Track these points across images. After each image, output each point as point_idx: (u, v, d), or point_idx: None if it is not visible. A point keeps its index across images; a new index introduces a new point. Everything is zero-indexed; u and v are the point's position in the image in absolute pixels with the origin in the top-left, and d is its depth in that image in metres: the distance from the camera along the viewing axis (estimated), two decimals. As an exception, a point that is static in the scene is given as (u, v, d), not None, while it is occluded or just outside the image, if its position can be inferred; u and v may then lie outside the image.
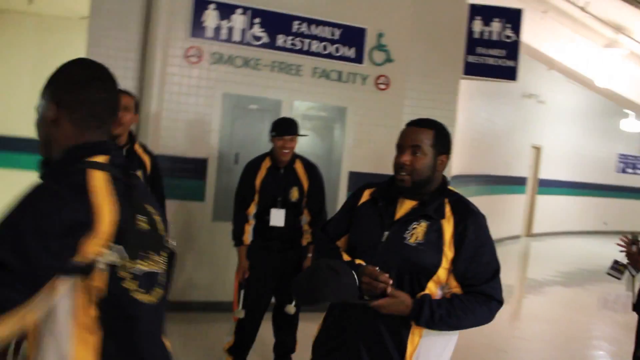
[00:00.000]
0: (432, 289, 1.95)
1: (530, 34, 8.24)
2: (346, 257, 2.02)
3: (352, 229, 2.12)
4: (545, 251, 12.47)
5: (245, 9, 5.35)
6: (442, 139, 2.04)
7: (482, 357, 5.15)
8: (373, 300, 1.88)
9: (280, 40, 5.50)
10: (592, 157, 14.94)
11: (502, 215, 12.02)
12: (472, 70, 6.07)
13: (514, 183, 12.50)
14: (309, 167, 3.96)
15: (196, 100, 5.31)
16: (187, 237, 5.36)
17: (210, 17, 5.26)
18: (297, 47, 5.56)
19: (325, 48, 5.63)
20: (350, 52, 5.72)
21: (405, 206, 2.02)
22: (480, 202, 10.40)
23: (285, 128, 3.81)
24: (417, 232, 1.94)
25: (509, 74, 6.09)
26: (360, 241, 2.06)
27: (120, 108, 3.14)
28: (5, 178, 6.41)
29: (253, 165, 3.94)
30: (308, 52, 5.59)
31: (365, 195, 2.14)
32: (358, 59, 5.75)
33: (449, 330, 1.96)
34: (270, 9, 5.44)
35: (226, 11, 5.30)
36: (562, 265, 10.40)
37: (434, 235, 1.94)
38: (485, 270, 1.96)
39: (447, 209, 1.99)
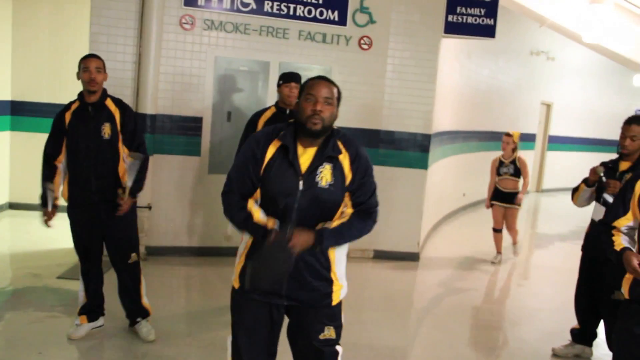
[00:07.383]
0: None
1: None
2: (257, 217, 2.38)
3: (267, 182, 2.39)
4: (556, 207, 12.60)
5: (234, -22, 5.80)
6: (340, 95, 2.47)
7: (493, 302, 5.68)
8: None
9: (267, 5, 5.94)
10: (606, 114, 14.93)
11: (509, 171, 12.27)
12: (453, 28, 6.38)
13: (522, 140, 12.68)
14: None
15: (190, 64, 5.82)
16: (185, 188, 5.93)
17: (201, -14, 5.73)
18: (284, 12, 5.98)
19: (310, 12, 6.05)
20: (334, 15, 6.12)
21: (308, 153, 2.40)
22: (484, 157, 10.75)
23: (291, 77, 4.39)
24: (325, 174, 2.37)
25: (488, 31, 6.38)
26: (279, 191, 2.36)
27: (94, 70, 3.55)
28: (28, 140, 7.10)
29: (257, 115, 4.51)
30: (294, 16, 6.02)
31: (271, 150, 2.40)
32: (341, 22, 6.15)
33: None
34: (258, -23, 5.88)
35: (216, -20, 5.76)
36: (574, 220, 10.54)
37: (338, 173, 2.39)
38: (369, 189, 2.47)
39: (340, 145, 2.43)
